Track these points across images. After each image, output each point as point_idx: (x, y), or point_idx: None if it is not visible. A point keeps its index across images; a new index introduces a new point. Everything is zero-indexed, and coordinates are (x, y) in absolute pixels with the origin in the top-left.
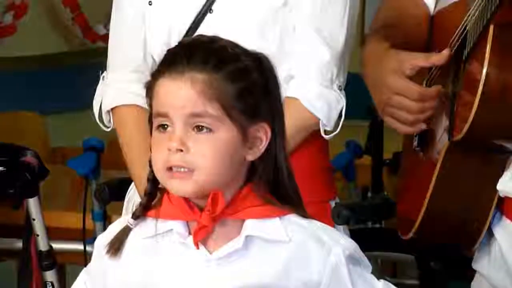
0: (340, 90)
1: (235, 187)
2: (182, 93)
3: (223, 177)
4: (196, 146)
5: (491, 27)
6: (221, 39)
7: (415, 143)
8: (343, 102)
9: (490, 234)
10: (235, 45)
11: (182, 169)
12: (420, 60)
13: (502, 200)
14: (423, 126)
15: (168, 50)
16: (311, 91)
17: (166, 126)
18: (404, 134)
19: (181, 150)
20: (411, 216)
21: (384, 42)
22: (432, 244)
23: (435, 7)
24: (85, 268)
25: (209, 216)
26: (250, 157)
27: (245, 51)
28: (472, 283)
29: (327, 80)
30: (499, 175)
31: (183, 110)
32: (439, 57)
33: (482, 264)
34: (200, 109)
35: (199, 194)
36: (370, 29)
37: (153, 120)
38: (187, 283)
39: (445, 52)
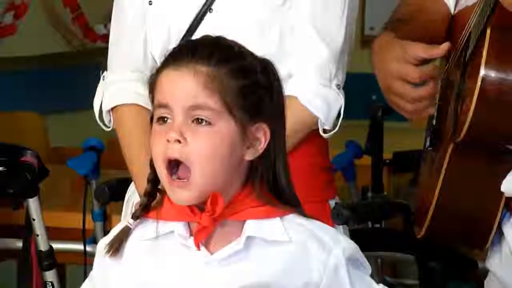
0: (339, 88)
1: (234, 187)
2: (184, 84)
3: (221, 176)
4: (194, 139)
5: (488, 30)
6: (228, 39)
7: (427, 144)
8: (342, 101)
9: (501, 233)
10: (242, 46)
11: (180, 179)
12: (420, 50)
13: (510, 199)
14: (431, 112)
15: (174, 47)
16: (310, 89)
17: (166, 119)
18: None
19: (179, 142)
20: (423, 215)
21: (391, 33)
22: (442, 244)
23: (455, 5)
24: (88, 276)
25: (209, 217)
26: (248, 156)
27: (251, 53)
28: (485, 281)
29: (325, 78)
30: (505, 175)
31: (184, 101)
32: (438, 50)
33: (494, 263)
34: (201, 101)
35: (199, 200)
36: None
37: (154, 113)
38: (188, 284)
39: (444, 46)
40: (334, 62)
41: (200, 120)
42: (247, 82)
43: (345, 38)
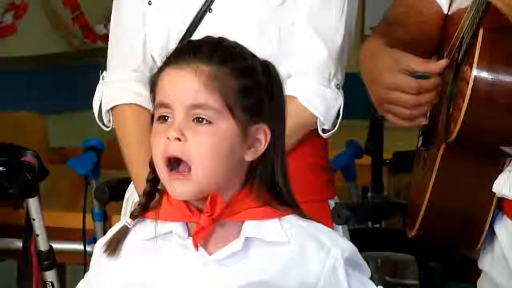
0: (338, 88)
1: (233, 188)
2: (185, 83)
3: (220, 175)
4: (194, 137)
5: (481, 31)
6: (230, 40)
7: (419, 143)
8: (341, 101)
9: (493, 233)
10: (243, 47)
11: (180, 172)
12: (413, 62)
13: (502, 200)
14: (423, 121)
15: (176, 46)
16: (309, 89)
17: (166, 118)
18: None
19: (180, 140)
20: (415, 214)
21: (379, 39)
22: (434, 243)
23: (450, 6)
24: (84, 277)
25: (208, 217)
26: (248, 157)
27: (252, 54)
28: (477, 282)
29: (325, 78)
30: (497, 175)
31: (184, 100)
32: (434, 67)
33: (486, 263)
34: (201, 100)
35: (198, 196)
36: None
37: (155, 112)
38: (187, 284)
39: (442, 62)
40: (333, 62)
41: (200, 119)
42: (248, 82)
43: (344, 38)
